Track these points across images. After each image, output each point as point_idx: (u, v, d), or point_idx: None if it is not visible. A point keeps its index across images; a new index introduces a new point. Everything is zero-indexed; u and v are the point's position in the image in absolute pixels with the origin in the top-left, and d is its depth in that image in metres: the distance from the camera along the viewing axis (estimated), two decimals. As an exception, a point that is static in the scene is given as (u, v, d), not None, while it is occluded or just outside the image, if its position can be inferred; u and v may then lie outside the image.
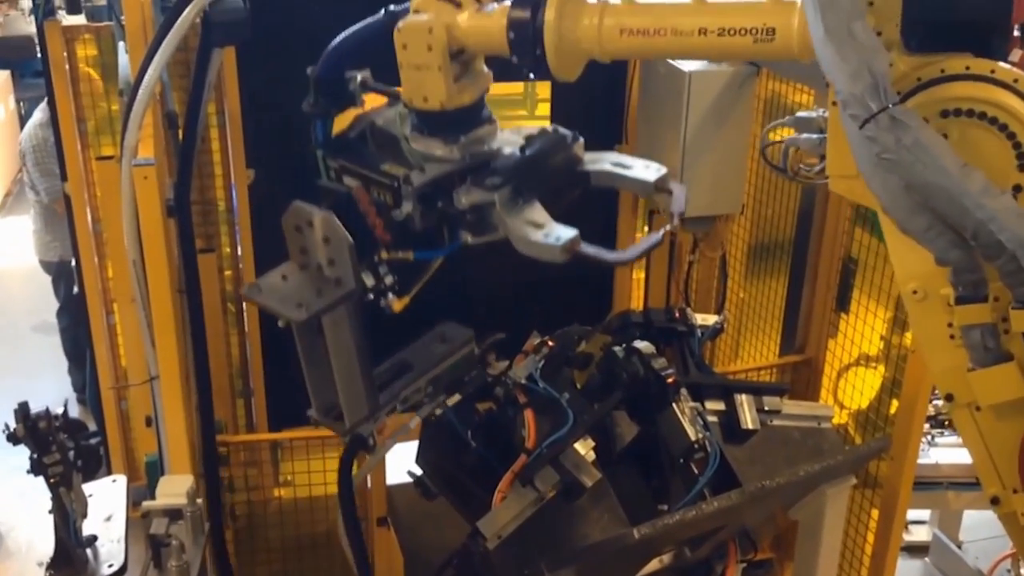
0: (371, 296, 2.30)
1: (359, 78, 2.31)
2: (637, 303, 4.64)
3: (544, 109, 4.56)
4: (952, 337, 1.80)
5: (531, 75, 2.11)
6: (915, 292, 1.84)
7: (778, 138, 2.99)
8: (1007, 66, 1.75)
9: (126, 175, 2.77)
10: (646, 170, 2.26)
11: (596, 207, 4.55)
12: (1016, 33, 1.81)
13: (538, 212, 2.13)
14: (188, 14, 2.68)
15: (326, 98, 2.31)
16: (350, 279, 2.26)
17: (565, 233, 2.05)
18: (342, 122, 2.40)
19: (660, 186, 2.24)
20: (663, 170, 2.26)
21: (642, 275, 4.66)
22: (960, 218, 1.63)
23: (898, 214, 1.69)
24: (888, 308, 3.45)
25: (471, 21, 2.05)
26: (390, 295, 2.31)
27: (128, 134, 2.73)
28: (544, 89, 4.50)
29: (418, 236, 2.28)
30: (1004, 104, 1.72)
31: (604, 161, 2.30)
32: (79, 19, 4.28)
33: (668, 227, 2.20)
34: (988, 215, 1.60)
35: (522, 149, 2.20)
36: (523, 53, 2.01)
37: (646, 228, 4.61)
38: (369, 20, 2.24)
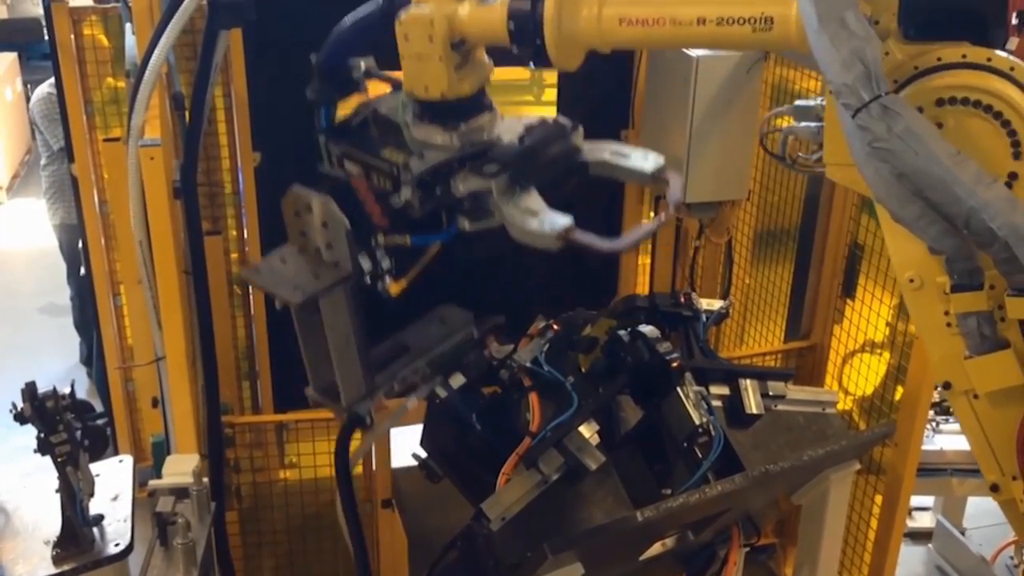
0: (368, 280, 2.32)
1: (363, 66, 2.33)
2: (643, 288, 4.64)
3: (551, 95, 4.54)
4: (949, 325, 1.80)
5: (532, 64, 2.12)
6: (912, 281, 1.85)
7: (778, 126, 2.99)
8: (1004, 54, 1.74)
9: (132, 156, 2.78)
10: (644, 160, 2.27)
11: (602, 195, 4.55)
12: (1014, 22, 1.81)
13: (534, 200, 2.15)
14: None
15: (329, 85, 2.33)
16: (347, 263, 2.28)
17: (560, 221, 2.07)
18: (346, 108, 2.41)
19: (657, 176, 2.26)
20: (660, 160, 2.27)
21: (648, 260, 4.66)
22: (952, 206, 1.63)
23: (891, 203, 1.69)
24: (894, 295, 3.44)
25: (472, 12, 2.06)
26: (387, 279, 2.33)
27: (134, 115, 2.74)
28: (551, 75, 4.49)
29: (417, 222, 2.30)
30: (1000, 92, 1.72)
31: (602, 151, 2.31)
32: (86, 0, 4.27)
33: (663, 217, 2.21)
34: (980, 203, 1.61)
35: (521, 139, 2.21)
36: (524, 43, 2.02)
37: (652, 215, 4.60)
38: (369, 7, 2.25)
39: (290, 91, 3.91)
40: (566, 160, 2.27)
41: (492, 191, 2.16)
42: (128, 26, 3.43)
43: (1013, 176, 1.73)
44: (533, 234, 2.10)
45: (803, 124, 2.46)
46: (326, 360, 2.44)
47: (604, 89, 4.30)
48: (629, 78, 4.36)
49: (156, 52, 2.68)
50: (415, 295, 4.26)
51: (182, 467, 2.49)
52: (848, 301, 3.68)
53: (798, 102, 2.56)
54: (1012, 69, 1.73)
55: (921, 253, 1.76)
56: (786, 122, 2.86)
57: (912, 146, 1.62)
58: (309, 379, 2.53)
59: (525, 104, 4.82)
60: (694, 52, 3.89)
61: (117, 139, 3.35)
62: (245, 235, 3.98)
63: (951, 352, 1.82)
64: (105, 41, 4.09)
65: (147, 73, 2.70)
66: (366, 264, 2.30)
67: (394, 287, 2.34)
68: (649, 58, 4.23)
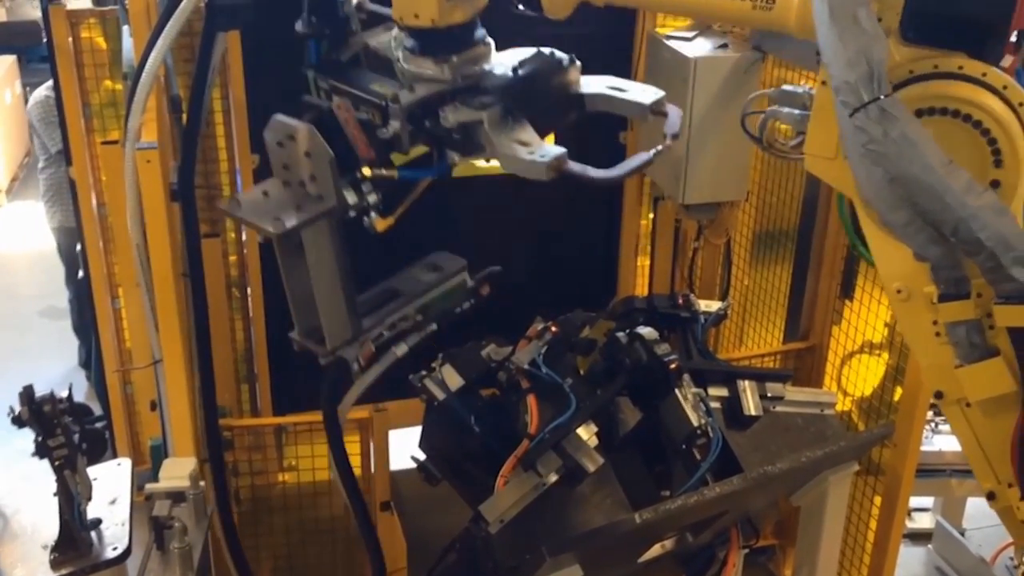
0: (353, 214, 2.28)
1: (354, 0, 2.29)
2: (642, 289, 4.64)
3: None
4: (938, 335, 1.80)
5: (520, 7, 2.09)
6: (899, 291, 1.84)
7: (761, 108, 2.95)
8: (999, 72, 1.75)
9: (129, 159, 2.77)
10: (642, 93, 2.25)
11: (601, 193, 4.55)
12: (1013, 39, 1.81)
13: (527, 132, 2.12)
14: (188, 2, 2.67)
15: (320, 19, 2.30)
16: (331, 195, 2.23)
17: (552, 151, 2.04)
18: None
19: (656, 109, 2.22)
20: (660, 93, 2.24)
21: (647, 261, 4.66)
22: (941, 214, 1.64)
23: (880, 206, 1.69)
24: (892, 295, 3.44)
25: None
26: (373, 214, 2.29)
27: (131, 118, 2.73)
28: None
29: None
30: (990, 109, 1.73)
31: (600, 84, 2.27)
32: (84, 3, 4.27)
33: (660, 147, 2.19)
34: (969, 212, 1.61)
35: (514, 70, 2.17)
36: None
37: (651, 215, 4.60)
38: None
39: (289, 92, 3.96)
40: (562, 92, 2.23)
41: (484, 122, 2.11)
42: (125, 29, 3.43)
43: (995, 184, 1.74)
44: (524, 164, 2.06)
45: (786, 110, 2.44)
46: (311, 301, 2.38)
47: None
48: (627, 77, 4.34)
49: (153, 55, 2.68)
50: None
51: (179, 471, 2.49)
52: (847, 302, 3.68)
53: (784, 87, 2.53)
54: (1005, 87, 1.74)
55: (908, 263, 1.76)
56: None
57: (906, 152, 1.62)
58: (294, 321, 2.47)
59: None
60: (692, 53, 3.88)
61: (115, 142, 3.35)
62: (244, 237, 3.98)
63: (941, 361, 1.82)
64: (103, 44, 4.09)
65: (144, 76, 2.70)
66: (351, 197, 2.25)
67: (380, 223, 2.30)
68: (647, 57, 4.22)
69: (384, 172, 2.26)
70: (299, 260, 2.34)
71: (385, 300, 2.61)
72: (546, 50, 2.25)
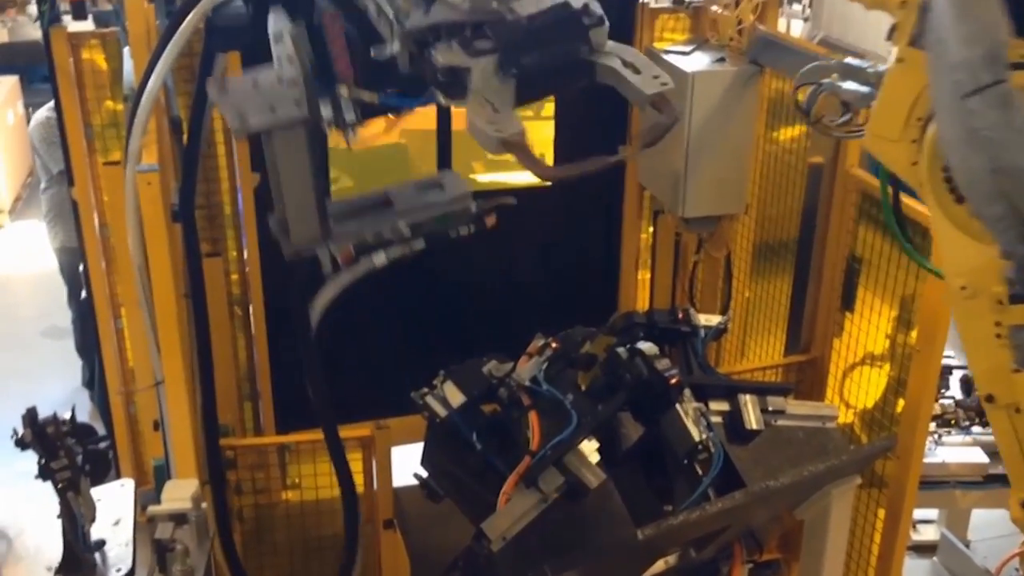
0: (327, 128, 2.23)
1: None
2: (643, 303, 4.65)
3: (550, 109, 4.56)
4: (999, 336, 1.73)
5: None
6: (964, 288, 1.74)
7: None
8: None
9: (130, 181, 2.79)
10: (650, 81, 2.13)
11: (601, 207, 4.56)
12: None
13: (504, 96, 2.04)
14: (190, 20, 2.68)
15: None
16: (304, 105, 2.17)
17: (511, 128, 1.99)
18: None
19: (656, 103, 2.13)
20: (667, 85, 2.13)
21: (648, 275, 4.67)
22: None
23: (975, 196, 1.58)
24: (893, 307, 3.44)
25: None
26: (351, 132, 2.23)
27: (132, 140, 2.74)
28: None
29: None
30: None
31: (615, 57, 2.14)
32: (86, 24, 4.29)
33: (621, 154, 2.17)
34: None
35: (530, 19, 2.06)
36: None
37: (651, 229, 4.61)
38: None
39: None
40: (570, 54, 2.10)
41: (471, 72, 2.03)
42: (126, 50, 3.46)
43: None
44: (480, 133, 2.01)
45: (847, 85, 2.27)
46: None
47: (602, 103, 4.30)
48: (626, 94, 4.37)
49: (153, 77, 2.69)
50: (414, 309, 4.21)
51: (181, 493, 2.49)
52: (847, 314, 3.68)
53: (848, 59, 2.39)
54: None
55: (978, 260, 1.67)
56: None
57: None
58: (274, 206, 2.41)
59: (525, 118, 4.84)
60: (690, 67, 3.90)
61: (116, 163, 3.37)
62: (245, 256, 3.99)
63: (997, 364, 1.75)
64: (104, 64, 4.11)
65: (144, 98, 2.71)
66: (327, 112, 2.19)
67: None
68: (646, 74, 4.24)
69: (365, 96, 2.20)
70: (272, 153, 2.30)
71: (374, 208, 2.50)
72: (577, 2, 2.10)
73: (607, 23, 2.11)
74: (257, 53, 3.40)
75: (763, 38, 3.94)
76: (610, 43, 2.13)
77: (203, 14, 2.74)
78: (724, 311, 4.28)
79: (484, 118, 2.01)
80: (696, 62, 3.96)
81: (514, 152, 1.99)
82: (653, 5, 4.32)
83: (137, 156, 2.76)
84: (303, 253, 2.40)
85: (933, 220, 1.78)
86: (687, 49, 4.09)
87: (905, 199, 2.65)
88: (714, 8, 4.15)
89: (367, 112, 2.25)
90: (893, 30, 1.70)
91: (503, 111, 2.03)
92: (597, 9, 2.11)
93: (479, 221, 2.49)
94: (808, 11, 11.78)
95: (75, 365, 6.53)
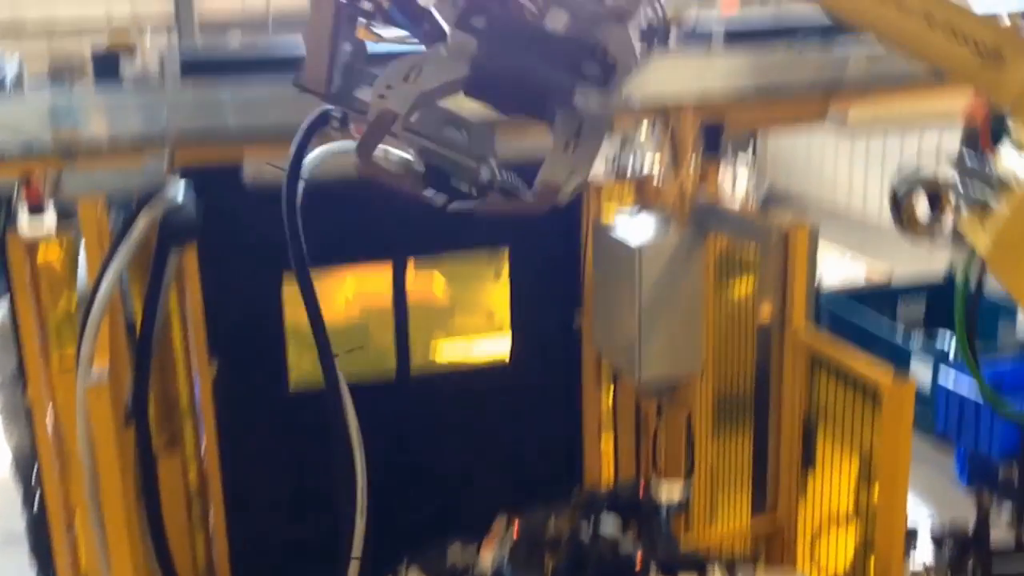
0: None
1: None
2: (608, 469, 4.62)
3: (506, 272, 4.63)
4: None
5: None
6: None
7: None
8: None
9: (80, 391, 2.78)
10: (559, 168, 2.06)
11: (560, 377, 4.58)
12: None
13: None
14: (142, 224, 2.75)
15: None
16: None
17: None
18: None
19: (542, 191, 2.11)
20: (567, 185, 2.09)
21: (611, 441, 4.66)
22: None
23: None
24: (853, 462, 3.45)
25: None
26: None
27: (83, 348, 2.76)
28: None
29: None
30: None
31: (575, 124, 2.04)
32: (47, 220, 4.31)
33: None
34: None
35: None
36: None
37: (612, 392, 4.63)
38: None
39: (247, 299, 4.01)
40: (540, 83, 2.00)
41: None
42: (82, 252, 3.49)
43: None
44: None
45: (967, 184, 2.10)
46: None
47: (555, 270, 4.40)
48: (577, 261, 4.46)
49: (104, 284, 2.74)
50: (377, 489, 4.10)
51: None
52: (810, 470, 3.69)
53: (966, 156, 2.19)
54: None
55: None
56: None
57: None
58: None
59: (484, 282, 4.90)
60: (635, 241, 4.00)
61: (69, 370, 3.35)
62: (203, 449, 3.94)
63: None
64: (60, 265, 4.13)
65: (95, 305, 2.75)
66: None
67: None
68: (594, 241, 4.33)
69: None
70: None
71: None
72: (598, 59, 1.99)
73: (609, 88, 1.99)
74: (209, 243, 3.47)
75: (704, 204, 4.08)
76: (595, 105, 2.00)
77: (153, 220, 2.81)
78: (688, 474, 4.26)
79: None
80: (642, 232, 4.08)
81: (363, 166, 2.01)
82: (597, 179, 4.47)
83: (88, 364, 2.77)
84: (307, 89, 2.37)
85: None
86: (632, 218, 4.22)
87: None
88: (656, 176, 4.31)
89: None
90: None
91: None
92: (609, 76, 1.99)
93: (480, 192, 2.17)
94: (753, 164, 12.26)
95: (31, 571, 6.29)
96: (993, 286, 2.23)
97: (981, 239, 1.91)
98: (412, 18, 2.21)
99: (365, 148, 2.03)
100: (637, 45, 2.00)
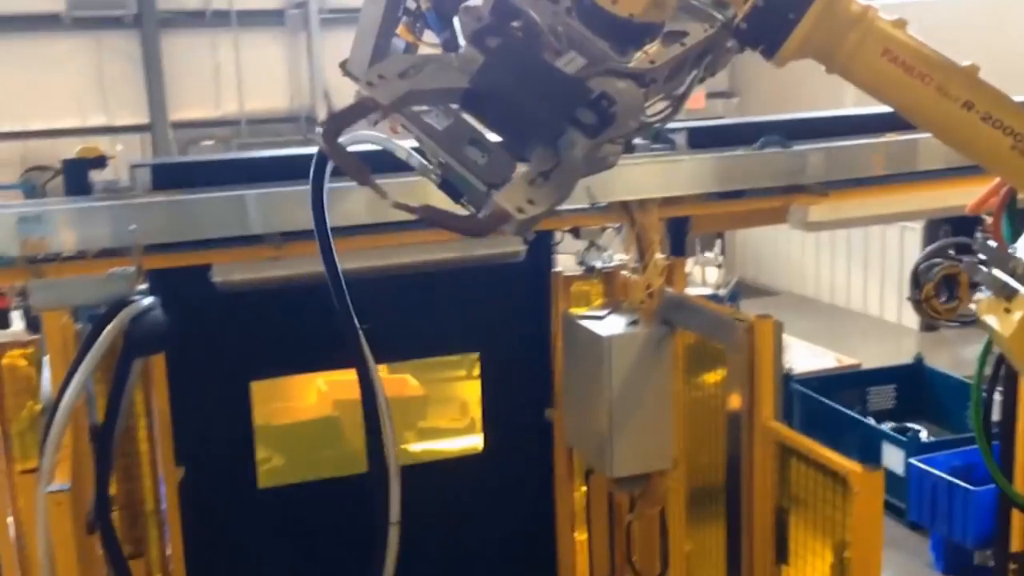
0: None
1: None
2: (582, 566, 4.56)
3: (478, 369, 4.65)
4: None
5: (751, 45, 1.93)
6: None
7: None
8: None
9: (41, 500, 2.74)
10: (517, 195, 1.91)
11: (533, 471, 4.55)
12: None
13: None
14: (107, 334, 2.75)
15: None
16: None
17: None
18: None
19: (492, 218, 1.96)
20: (510, 220, 1.89)
21: (585, 535, 4.61)
22: None
23: None
24: (827, 549, 3.43)
25: None
26: None
27: (45, 456, 2.72)
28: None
29: None
30: None
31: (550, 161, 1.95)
32: (13, 327, 4.31)
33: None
34: None
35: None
36: (762, 30, 1.87)
37: (584, 488, 4.60)
38: None
39: (215, 401, 3.98)
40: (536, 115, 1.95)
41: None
42: (46, 359, 3.47)
43: None
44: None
45: (990, 270, 2.04)
46: None
47: (526, 367, 4.41)
48: (548, 357, 4.48)
49: (68, 393, 2.71)
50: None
51: None
52: (783, 567, 3.65)
53: (991, 241, 2.15)
54: None
55: None
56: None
57: None
58: None
59: (458, 379, 4.90)
60: (605, 332, 4.02)
61: (32, 470, 3.30)
62: (168, 554, 3.86)
63: None
64: (25, 370, 4.11)
65: (59, 414, 2.72)
66: None
67: None
68: (564, 337, 4.36)
69: None
70: None
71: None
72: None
73: (597, 141, 1.93)
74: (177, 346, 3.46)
75: (671, 299, 4.13)
76: (576, 152, 1.93)
77: (120, 328, 2.81)
78: (663, 570, 4.21)
79: None
80: (610, 326, 4.11)
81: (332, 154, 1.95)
82: (566, 274, 4.53)
83: (50, 474, 2.73)
84: (349, 74, 2.33)
85: None
86: (601, 314, 4.25)
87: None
88: (624, 273, 4.36)
89: None
90: None
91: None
92: (611, 128, 1.93)
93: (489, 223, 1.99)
94: (721, 257, 12.41)
95: None
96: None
97: (1003, 325, 1.89)
98: (442, 24, 2.26)
99: (332, 128, 1.90)
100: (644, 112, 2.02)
